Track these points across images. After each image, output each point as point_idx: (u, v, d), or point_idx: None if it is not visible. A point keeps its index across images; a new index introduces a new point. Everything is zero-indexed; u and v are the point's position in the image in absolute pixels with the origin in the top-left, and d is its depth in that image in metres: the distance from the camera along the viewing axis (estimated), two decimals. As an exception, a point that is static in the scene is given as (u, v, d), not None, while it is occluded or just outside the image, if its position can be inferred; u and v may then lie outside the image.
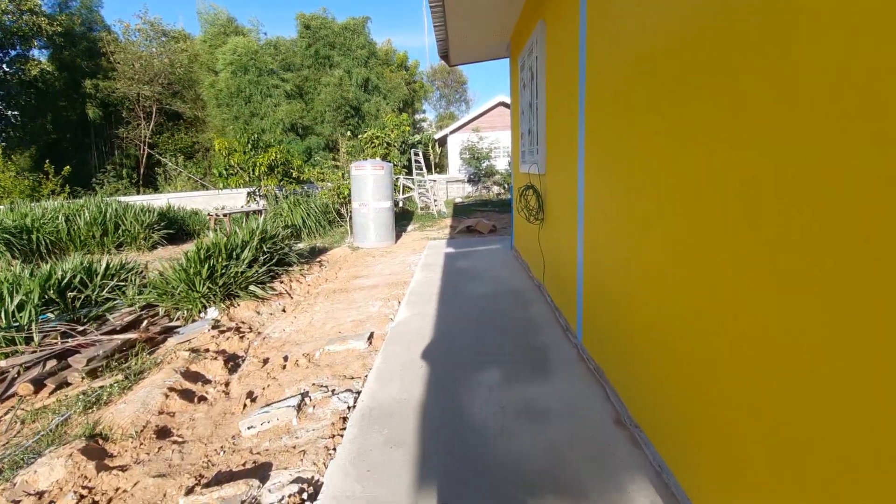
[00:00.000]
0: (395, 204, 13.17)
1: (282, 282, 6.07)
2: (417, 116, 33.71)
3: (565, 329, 3.48)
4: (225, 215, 7.72)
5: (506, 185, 18.70)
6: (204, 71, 21.60)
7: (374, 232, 8.43)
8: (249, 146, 11.86)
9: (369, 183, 8.31)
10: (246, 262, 5.52)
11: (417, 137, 19.03)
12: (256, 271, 5.57)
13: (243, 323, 4.92)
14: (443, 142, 21.91)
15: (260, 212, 8.46)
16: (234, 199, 14.10)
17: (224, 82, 19.16)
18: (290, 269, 6.50)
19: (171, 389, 3.13)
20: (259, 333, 4.46)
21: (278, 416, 2.67)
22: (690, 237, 1.58)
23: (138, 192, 18.50)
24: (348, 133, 17.58)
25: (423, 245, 8.27)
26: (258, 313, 5.18)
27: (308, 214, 10.31)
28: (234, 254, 5.58)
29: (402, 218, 12.46)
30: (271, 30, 68.19)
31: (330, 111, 19.74)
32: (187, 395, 3.13)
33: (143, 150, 20.65)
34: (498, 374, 2.87)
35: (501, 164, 19.70)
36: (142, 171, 20.43)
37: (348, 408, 2.74)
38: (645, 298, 2.00)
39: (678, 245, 1.67)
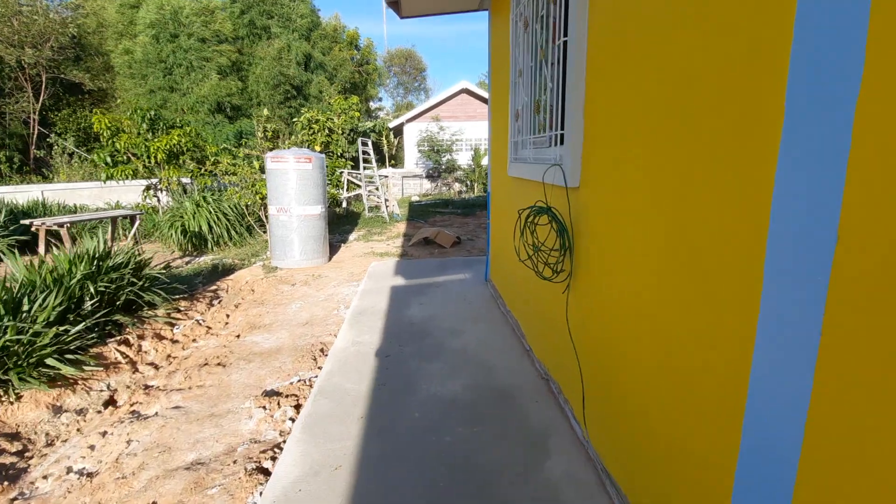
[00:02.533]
0: (338, 204, 10.89)
1: (128, 340, 3.79)
2: (373, 105, 31.11)
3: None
4: (60, 225, 5.20)
5: (468, 183, 16.76)
6: (115, 37, 18.17)
7: (300, 247, 6.21)
8: (145, 126, 9.20)
9: (291, 181, 6.07)
10: (46, 317, 3.22)
11: (370, 125, 16.70)
12: (67, 331, 3.27)
13: (15, 436, 2.69)
14: (398, 131, 19.65)
15: (134, 217, 6.03)
16: (134, 192, 11.33)
17: (141, 48, 15.96)
18: (152, 314, 4.21)
19: None
20: (25, 472, 2.25)
21: None
22: None
23: (22, 181, 15.07)
24: (289, 116, 15.02)
25: (365, 266, 6.16)
26: (56, 412, 2.94)
27: (217, 219, 7.90)
28: (28, 301, 3.26)
29: (346, 222, 10.22)
30: None
31: (266, 90, 17.00)
32: None
33: (33, 130, 17.04)
34: None
35: (464, 158, 17.71)
36: (31, 155, 16.84)
37: None
38: None
39: None
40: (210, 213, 7.91)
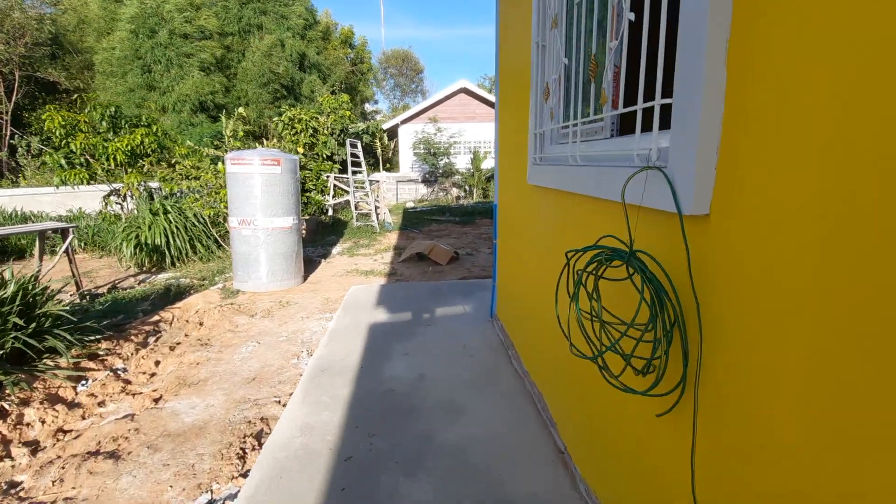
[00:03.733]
0: (324, 212, 9.86)
1: (3, 408, 2.76)
2: (368, 107, 30.14)
3: None
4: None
5: (467, 188, 15.76)
6: (96, 34, 17.17)
7: (267, 267, 5.19)
8: (105, 124, 8.18)
9: (256, 187, 5.05)
10: None
11: (362, 126, 15.70)
12: None
13: None
14: (393, 133, 18.66)
15: (67, 231, 4.99)
16: (100, 198, 10.28)
17: (119, 45, 14.94)
18: (52, 365, 3.17)
19: None
20: None
21: None
22: None
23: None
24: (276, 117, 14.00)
25: (345, 288, 5.14)
26: None
27: (178, 230, 6.86)
28: None
29: (331, 231, 9.20)
30: None
31: (255, 87, 15.97)
32: None
33: (5, 130, 16.00)
34: None
35: (462, 162, 16.71)
36: (1, 158, 15.79)
37: None
38: None
39: None
40: (170, 223, 6.87)
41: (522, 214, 2.65)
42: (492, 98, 17.56)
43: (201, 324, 4.31)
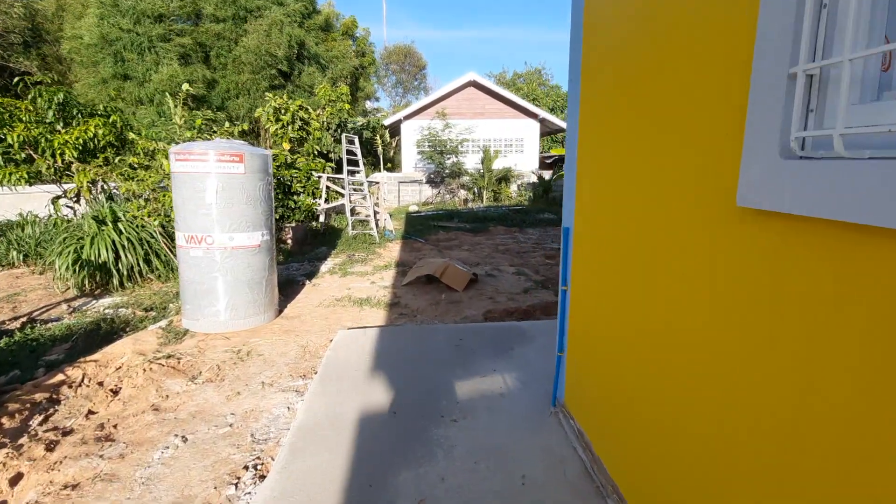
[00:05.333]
0: (315, 218, 8.51)
1: None
2: (369, 105, 28.77)
3: None
4: None
5: (476, 190, 14.40)
6: (74, 21, 15.84)
7: (226, 299, 3.84)
8: (52, 114, 6.86)
9: (209, 191, 3.70)
10: None
11: (361, 121, 14.36)
12: None
13: None
14: (395, 130, 17.31)
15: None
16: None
17: (87, 31, 13.59)
18: None
19: None
20: None
21: None
22: None
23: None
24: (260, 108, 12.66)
25: (331, 329, 3.79)
26: None
27: (131, 242, 5.51)
28: None
29: (322, 241, 7.84)
30: None
31: (248, 72, 14.60)
32: None
33: (-28, 123, 14.66)
34: None
35: (471, 161, 15.35)
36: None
37: None
38: None
39: None
40: (121, 233, 5.53)
41: (687, 261, 1.28)
42: (504, 92, 16.21)
43: (114, 393, 2.96)
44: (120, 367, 3.31)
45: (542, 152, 18.87)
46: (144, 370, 3.15)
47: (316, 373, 2.97)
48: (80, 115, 7.29)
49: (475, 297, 4.77)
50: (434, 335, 3.38)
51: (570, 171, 2.04)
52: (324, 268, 6.18)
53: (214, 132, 5.80)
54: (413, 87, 38.06)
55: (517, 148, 16.54)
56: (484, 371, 2.75)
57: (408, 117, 15.88)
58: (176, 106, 5.80)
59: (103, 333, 4.02)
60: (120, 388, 3.01)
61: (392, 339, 3.33)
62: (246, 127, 15.26)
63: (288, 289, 5.14)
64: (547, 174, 15.15)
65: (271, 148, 9.19)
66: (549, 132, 19.75)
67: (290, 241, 7.67)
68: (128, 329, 4.09)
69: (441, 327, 3.58)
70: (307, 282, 5.43)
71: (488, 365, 2.82)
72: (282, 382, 2.96)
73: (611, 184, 1.73)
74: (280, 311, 4.38)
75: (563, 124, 18.02)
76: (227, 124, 5.88)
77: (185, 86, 5.66)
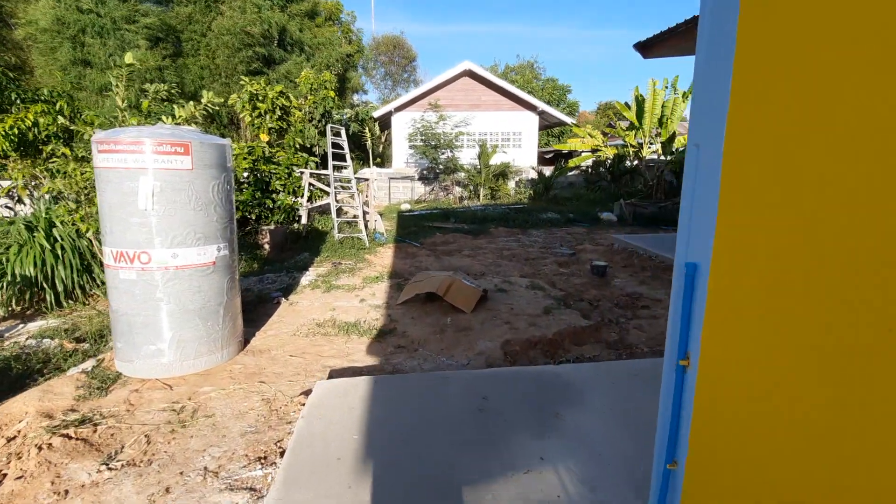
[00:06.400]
0: (296, 220, 7.58)
1: None
2: (357, 98, 27.67)
3: None
4: None
5: (472, 188, 13.53)
6: (25, 3, 14.56)
7: (172, 335, 2.94)
8: (-19, 97, 5.84)
9: (141, 194, 2.79)
10: None
11: (349, 112, 13.39)
12: None
13: None
14: (386, 123, 16.34)
15: None
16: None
17: (42, 14, 12.37)
18: None
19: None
20: None
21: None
22: None
23: None
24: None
25: (307, 374, 2.92)
26: None
27: (67, 252, 4.56)
28: None
29: (304, 247, 6.93)
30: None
31: (225, 53, 13.51)
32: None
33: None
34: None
35: (466, 157, 14.47)
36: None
37: None
38: None
39: None
40: (55, 242, 4.58)
41: None
42: (501, 83, 15.32)
43: (-14, 491, 2.05)
44: (14, 438, 2.40)
45: (540, 147, 18.06)
46: (41, 447, 2.25)
47: (282, 455, 2.10)
48: (19, 101, 6.28)
49: (487, 320, 3.92)
50: (445, 388, 2.52)
51: (707, 177, 1.19)
52: (304, 280, 5.28)
53: (178, 119, 4.87)
54: (403, 80, 36.97)
55: (515, 142, 15.70)
56: (525, 459, 1.90)
57: (399, 109, 14.93)
58: (118, 84, 4.85)
59: (14, 376, 3.10)
60: (2, 479, 2.10)
61: (389, 395, 2.46)
62: (220, 111, 14.20)
63: (258, 310, 4.24)
64: (547, 170, 14.35)
65: (252, 141, 8.24)
66: (547, 126, 18.94)
67: (267, 247, 6.75)
68: (46, 371, 3.17)
69: (454, 375, 2.72)
70: (283, 299, 4.53)
71: (530, 447, 1.97)
72: (232, 470, 2.08)
73: (821, 197, 0.89)
74: (245, 344, 3.49)
75: (564, 117, 17.21)
76: (191, 104, 4.92)
77: (128, 56, 4.70)
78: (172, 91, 6.12)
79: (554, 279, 5.43)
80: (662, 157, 12.14)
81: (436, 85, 14.79)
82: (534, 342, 3.49)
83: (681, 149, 11.90)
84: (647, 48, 6.22)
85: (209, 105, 5.14)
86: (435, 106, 13.31)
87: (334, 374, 2.97)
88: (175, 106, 4.89)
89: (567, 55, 72.87)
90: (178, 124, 4.98)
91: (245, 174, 7.12)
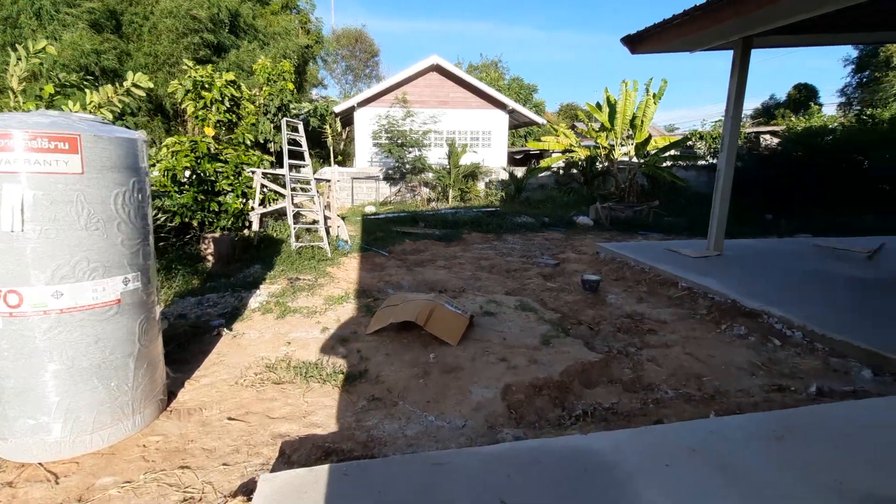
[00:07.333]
0: (246, 226, 6.67)
1: None
2: (316, 93, 26.37)
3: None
4: None
5: (441, 189, 12.86)
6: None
7: (59, 402, 2.11)
8: None
9: (4, 207, 1.94)
10: None
11: (308, 106, 12.41)
12: None
13: None
14: (348, 119, 15.40)
15: None
16: None
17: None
18: None
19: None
20: None
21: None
22: None
23: None
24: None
25: (249, 451, 2.18)
26: None
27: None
28: None
29: (255, 258, 6.04)
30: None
31: (168, 42, 12.21)
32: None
33: None
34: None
35: (435, 156, 13.78)
36: None
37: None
38: None
39: None
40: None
41: None
42: (470, 79, 14.72)
43: None
44: None
45: (508, 147, 17.61)
46: None
47: None
48: None
49: (478, 355, 3.27)
50: (444, 482, 1.84)
51: None
52: (254, 301, 4.45)
53: (90, 107, 3.92)
54: (364, 76, 35.82)
55: (484, 141, 15.16)
56: None
57: (362, 104, 14.04)
58: (17, 63, 3.86)
59: None
60: None
61: (363, 497, 1.76)
62: (165, 102, 12.85)
63: (192, 346, 3.41)
64: (518, 171, 13.88)
65: (196, 135, 7.22)
66: (516, 125, 18.53)
67: (210, 258, 5.83)
68: None
69: (453, 460, 2.03)
70: (225, 330, 3.71)
71: None
72: None
73: None
74: (169, 400, 2.67)
75: (535, 117, 16.81)
76: (107, 87, 3.99)
77: (42, 41, 3.78)
78: (87, 80, 5.10)
79: (543, 296, 4.86)
80: (635, 160, 11.92)
81: (402, 80, 14.01)
82: (538, 386, 2.87)
83: (653, 151, 11.70)
84: (637, 43, 5.76)
85: (134, 89, 4.22)
86: (402, 101, 12.51)
87: (287, 448, 2.23)
88: (87, 91, 3.95)
89: (530, 55, 73.51)
90: (92, 112, 4.04)
91: (187, 174, 6.16)
